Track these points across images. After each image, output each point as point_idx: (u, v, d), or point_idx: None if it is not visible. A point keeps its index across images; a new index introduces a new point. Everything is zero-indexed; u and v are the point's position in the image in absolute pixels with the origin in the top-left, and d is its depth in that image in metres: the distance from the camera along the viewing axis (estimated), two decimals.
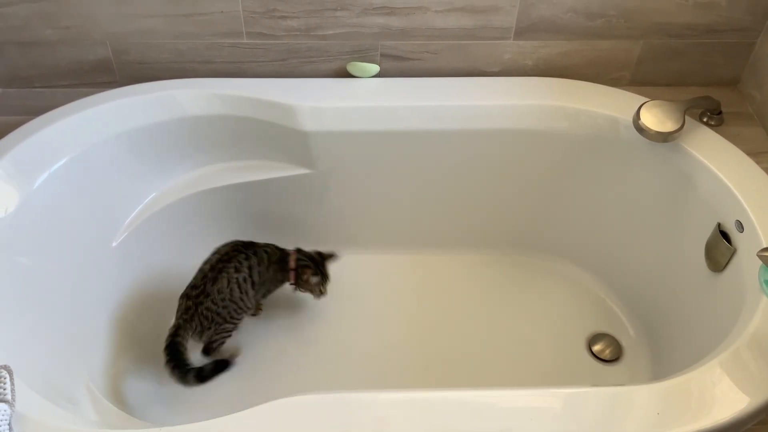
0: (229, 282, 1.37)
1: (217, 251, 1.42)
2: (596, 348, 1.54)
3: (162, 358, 1.33)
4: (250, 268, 1.40)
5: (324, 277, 1.50)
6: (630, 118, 1.41)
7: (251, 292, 1.41)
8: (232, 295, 1.38)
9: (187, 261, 1.60)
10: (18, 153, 1.32)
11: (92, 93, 1.45)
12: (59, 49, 1.50)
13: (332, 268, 1.54)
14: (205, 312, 1.36)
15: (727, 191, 1.29)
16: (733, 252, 1.26)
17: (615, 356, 1.52)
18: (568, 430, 0.98)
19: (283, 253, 1.48)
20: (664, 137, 1.36)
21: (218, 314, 1.38)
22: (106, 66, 1.53)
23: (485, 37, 1.50)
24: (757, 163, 1.33)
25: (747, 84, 1.57)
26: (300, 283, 1.48)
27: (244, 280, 1.39)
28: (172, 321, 1.37)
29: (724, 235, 1.29)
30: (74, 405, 1.18)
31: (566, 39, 1.51)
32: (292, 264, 1.46)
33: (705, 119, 1.48)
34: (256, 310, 1.57)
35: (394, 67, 1.55)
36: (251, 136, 1.50)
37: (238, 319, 1.44)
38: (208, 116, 1.47)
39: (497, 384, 1.38)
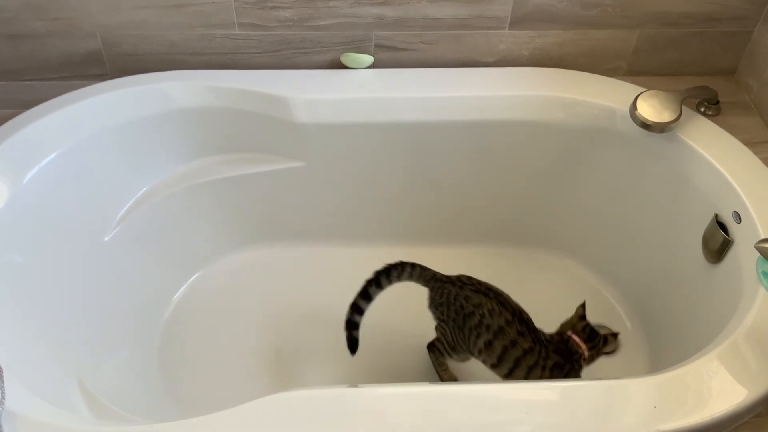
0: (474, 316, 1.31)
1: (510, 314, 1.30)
2: None
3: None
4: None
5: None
6: (627, 109, 1.40)
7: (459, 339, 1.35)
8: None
9: (179, 254, 1.59)
10: (7, 148, 1.30)
11: (83, 86, 1.44)
12: (49, 41, 1.48)
13: (328, 262, 1.52)
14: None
15: (724, 182, 1.29)
16: (731, 243, 1.26)
17: (611, 349, 1.52)
18: (565, 423, 0.98)
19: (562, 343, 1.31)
20: (661, 127, 1.35)
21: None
22: (97, 58, 1.51)
23: (480, 27, 1.49)
24: (755, 153, 1.33)
25: (744, 73, 1.56)
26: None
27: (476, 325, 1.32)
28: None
29: (722, 226, 1.28)
30: (67, 402, 1.18)
31: (562, 29, 1.50)
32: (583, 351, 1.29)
33: (702, 109, 1.47)
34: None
35: (389, 57, 1.53)
36: (244, 128, 1.49)
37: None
38: (199, 109, 1.45)
39: (493, 377, 1.37)
